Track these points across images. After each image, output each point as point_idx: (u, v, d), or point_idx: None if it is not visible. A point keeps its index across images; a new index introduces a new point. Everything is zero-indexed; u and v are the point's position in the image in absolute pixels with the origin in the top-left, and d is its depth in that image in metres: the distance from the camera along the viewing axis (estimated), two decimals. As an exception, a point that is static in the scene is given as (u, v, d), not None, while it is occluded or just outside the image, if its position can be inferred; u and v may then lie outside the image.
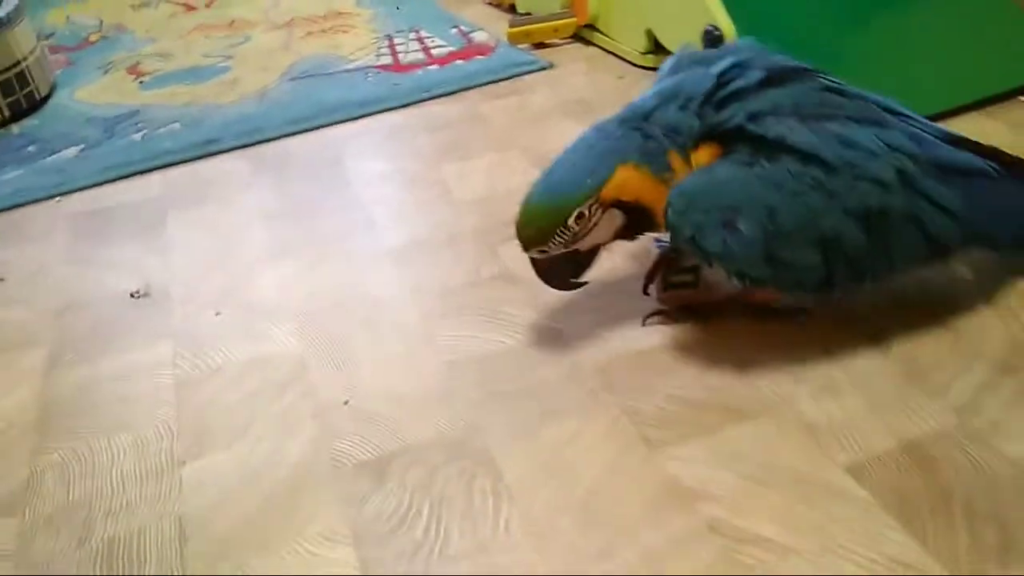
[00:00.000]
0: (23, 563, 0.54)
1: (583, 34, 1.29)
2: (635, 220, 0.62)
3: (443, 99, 1.16)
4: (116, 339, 0.74)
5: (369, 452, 0.60)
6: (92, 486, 0.59)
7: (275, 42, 1.40)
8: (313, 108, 1.14)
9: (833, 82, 0.63)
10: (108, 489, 0.59)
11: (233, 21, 1.54)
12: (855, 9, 1.05)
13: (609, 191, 0.60)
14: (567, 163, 0.62)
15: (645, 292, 0.71)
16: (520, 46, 1.28)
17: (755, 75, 0.60)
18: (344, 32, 1.41)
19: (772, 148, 0.58)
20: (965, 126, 0.89)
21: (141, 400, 0.67)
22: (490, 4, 1.50)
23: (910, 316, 0.66)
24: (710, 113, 0.60)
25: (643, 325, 0.68)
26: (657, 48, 1.15)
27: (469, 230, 0.85)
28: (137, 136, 1.11)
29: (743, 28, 0.98)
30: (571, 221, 0.60)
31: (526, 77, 1.20)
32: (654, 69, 1.16)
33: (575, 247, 0.62)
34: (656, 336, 0.67)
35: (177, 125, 1.13)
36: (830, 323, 0.66)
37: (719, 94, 0.60)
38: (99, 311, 0.78)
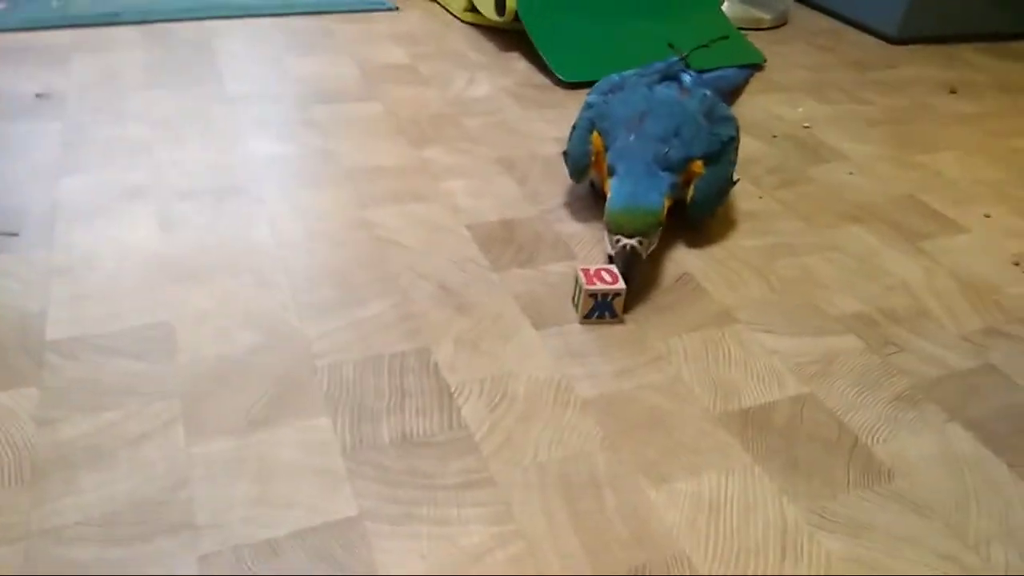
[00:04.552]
0: None
1: (427, -10, 1.67)
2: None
3: (305, 16, 1.52)
4: None
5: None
6: None
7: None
8: (200, 3, 1.48)
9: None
10: None
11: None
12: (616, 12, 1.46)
13: (664, 213, 0.82)
14: (642, 187, 0.82)
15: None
16: (377, -9, 1.64)
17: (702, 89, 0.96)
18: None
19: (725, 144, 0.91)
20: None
21: None
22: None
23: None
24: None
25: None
26: (473, 7, 1.54)
27: (291, 93, 1.20)
28: (55, 3, 1.42)
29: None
30: (658, 223, 0.81)
31: (375, 13, 1.57)
32: (472, 24, 1.55)
33: (648, 249, 0.81)
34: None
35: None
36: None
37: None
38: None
